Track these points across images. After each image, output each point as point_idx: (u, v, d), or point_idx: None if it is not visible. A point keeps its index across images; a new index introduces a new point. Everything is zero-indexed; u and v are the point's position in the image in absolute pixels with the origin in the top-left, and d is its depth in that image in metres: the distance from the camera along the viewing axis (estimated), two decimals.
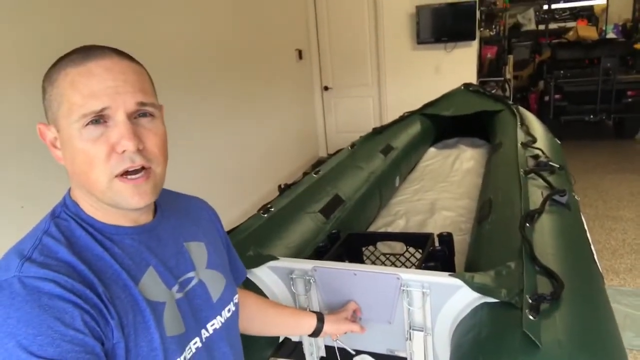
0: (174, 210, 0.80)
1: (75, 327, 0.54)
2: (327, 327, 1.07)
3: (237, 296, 0.86)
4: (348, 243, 1.47)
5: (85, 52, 0.63)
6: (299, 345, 1.28)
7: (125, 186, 0.63)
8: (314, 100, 5.71)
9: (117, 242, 0.66)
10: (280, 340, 1.28)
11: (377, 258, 1.56)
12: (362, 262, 1.52)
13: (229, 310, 0.81)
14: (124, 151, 0.62)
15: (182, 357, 0.68)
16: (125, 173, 0.63)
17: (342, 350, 1.22)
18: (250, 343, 1.16)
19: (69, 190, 0.69)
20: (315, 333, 1.07)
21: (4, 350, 0.51)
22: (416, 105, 3.23)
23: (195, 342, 0.72)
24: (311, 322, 1.07)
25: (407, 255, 1.51)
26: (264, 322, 1.05)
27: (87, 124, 0.61)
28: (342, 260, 1.36)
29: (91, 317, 0.56)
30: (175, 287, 0.71)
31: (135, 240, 0.68)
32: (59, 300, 0.55)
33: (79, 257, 0.60)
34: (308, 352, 1.25)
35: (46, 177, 1.97)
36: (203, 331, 0.74)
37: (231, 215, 3.62)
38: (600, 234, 3.23)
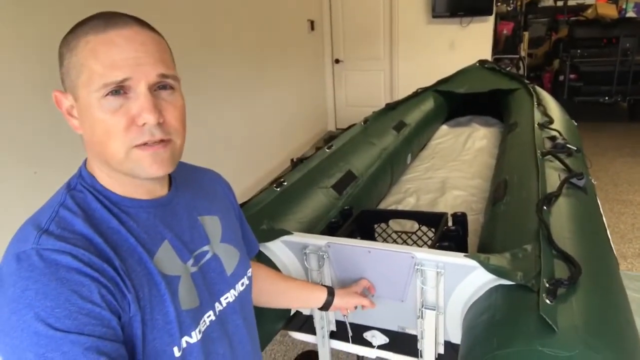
0: (188, 184, 0.79)
1: (92, 301, 0.55)
2: (337, 301, 1.08)
3: (250, 270, 0.86)
4: (360, 220, 1.46)
5: (106, 20, 0.62)
6: (309, 319, 1.29)
7: (143, 154, 0.62)
8: (324, 73, 5.64)
9: (132, 215, 0.66)
10: (292, 313, 1.29)
11: (389, 236, 1.56)
12: (373, 239, 1.52)
13: (242, 284, 0.82)
14: (144, 124, 0.61)
15: (196, 330, 0.68)
16: (144, 144, 0.62)
17: (353, 325, 1.23)
18: (262, 315, 1.17)
19: (85, 161, 0.69)
20: (326, 306, 1.08)
21: (22, 322, 0.52)
22: (429, 81, 3.18)
23: (209, 315, 0.72)
24: (321, 296, 1.07)
25: (420, 234, 1.51)
26: (275, 294, 1.06)
27: (107, 94, 0.60)
28: (354, 237, 1.36)
29: (108, 291, 0.57)
30: (190, 261, 0.71)
31: (151, 214, 0.68)
32: (77, 273, 0.55)
33: (95, 229, 0.61)
34: (319, 325, 1.26)
35: (58, 143, 1.98)
36: (217, 304, 0.75)
37: (242, 185, 3.63)
38: (610, 218, 3.21)
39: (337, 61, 5.57)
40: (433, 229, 1.42)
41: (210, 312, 0.73)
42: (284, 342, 2.27)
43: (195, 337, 0.68)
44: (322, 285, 1.12)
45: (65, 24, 0.66)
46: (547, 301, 0.85)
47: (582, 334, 0.79)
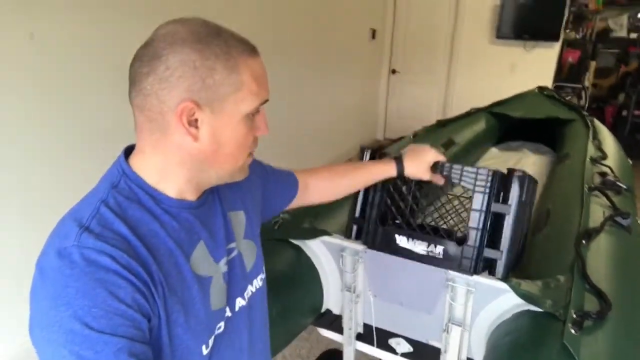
0: None
1: (127, 303, 0.56)
2: (408, 171, 1.09)
3: (264, 265, 0.88)
4: None
5: (248, 44, 0.67)
6: (338, 318, 1.35)
7: (249, 161, 0.73)
8: (379, 82, 5.68)
9: (174, 215, 0.67)
10: (322, 311, 1.35)
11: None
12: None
13: (260, 280, 0.84)
14: (257, 136, 0.72)
15: (220, 327, 0.72)
16: (251, 152, 0.73)
17: (379, 330, 1.28)
18: (293, 309, 1.24)
19: (125, 159, 0.68)
20: (399, 174, 1.10)
21: (60, 318, 0.53)
22: (484, 101, 3.16)
23: (229, 311, 0.75)
24: (390, 170, 1.09)
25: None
26: (336, 190, 1.11)
27: (253, 113, 0.68)
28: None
29: (141, 294, 0.58)
30: (223, 260, 0.73)
31: (192, 214, 0.70)
32: (114, 275, 0.56)
33: (134, 231, 0.61)
34: (347, 326, 1.32)
35: None
36: (238, 300, 0.77)
37: None
38: None
39: (393, 71, 5.60)
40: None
41: (230, 308, 0.75)
42: (309, 339, 2.34)
43: (217, 332, 0.71)
44: (390, 158, 1.11)
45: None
46: (572, 331, 0.87)
47: None
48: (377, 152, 1.22)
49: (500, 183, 1.03)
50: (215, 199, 0.76)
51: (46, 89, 1.89)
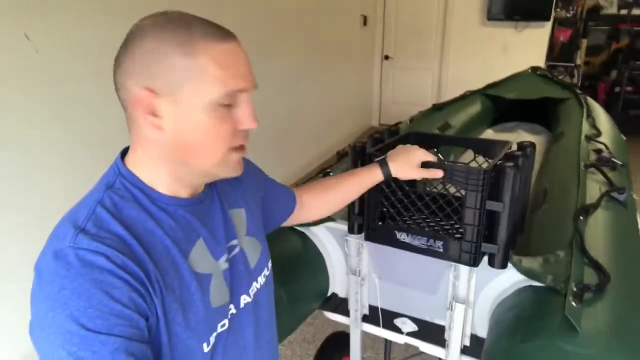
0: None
1: (123, 302, 0.56)
2: (394, 171, 1.03)
3: (270, 261, 0.88)
4: (406, 141, 1.25)
5: (218, 30, 0.64)
6: (344, 301, 1.38)
7: (237, 157, 0.68)
8: (373, 69, 5.69)
9: (171, 213, 0.67)
10: (328, 295, 1.38)
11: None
12: None
13: (264, 276, 0.84)
14: (245, 129, 0.67)
15: (223, 324, 0.72)
16: (240, 147, 0.68)
17: (384, 311, 1.31)
18: (300, 294, 1.27)
19: (122, 159, 0.68)
20: (386, 178, 1.05)
21: (57, 319, 0.54)
22: (478, 83, 3.18)
23: (233, 309, 0.74)
24: (376, 175, 1.04)
25: (474, 164, 1.23)
26: (331, 203, 1.07)
27: (221, 102, 0.63)
28: None
29: (138, 294, 0.58)
30: (222, 258, 0.73)
31: (188, 211, 0.69)
32: (110, 275, 0.56)
33: (129, 230, 0.61)
34: (353, 308, 1.35)
35: None
36: (242, 297, 0.77)
37: (285, 170, 3.74)
38: None
39: (386, 57, 5.60)
40: (490, 160, 1.20)
41: (235, 306, 0.75)
42: (313, 323, 2.38)
43: (220, 330, 0.71)
44: (374, 162, 1.06)
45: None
46: (573, 304, 0.90)
47: (604, 336, 0.84)
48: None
49: (493, 180, 1.00)
50: (214, 196, 0.76)
51: (45, 90, 1.89)
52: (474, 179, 0.97)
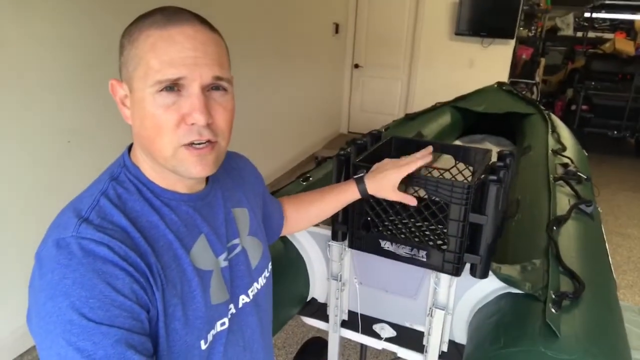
0: (222, 176, 0.80)
1: (124, 294, 0.56)
2: (371, 189, 1.01)
3: (270, 263, 0.88)
4: (389, 146, 1.29)
5: (169, 16, 0.62)
6: (323, 306, 1.38)
7: (189, 155, 0.63)
8: (343, 76, 5.74)
9: (173, 208, 0.67)
10: (307, 300, 1.38)
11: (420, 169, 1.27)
12: None
13: (264, 277, 0.84)
14: (193, 124, 0.62)
15: (221, 323, 0.71)
16: (191, 144, 0.63)
17: (363, 317, 1.32)
18: (281, 300, 1.26)
19: (128, 150, 0.69)
20: (363, 196, 1.02)
21: (58, 309, 0.53)
22: (445, 95, 3.27)
23: (232, 308, 0.74)
24: (354, 193, 1.02)
25: (455, 171, 1.31)
26: (310, 218, 1.07)
27: (161, 90, 0.60)
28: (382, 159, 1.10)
29: (139, 285, 0.58)
30: (222, 256, 0.72)
31: (190, 207, 0.69)
32: (112, 265, 0.56)
33: (133, 223, 0.61)
34: (332, 314, 1.35)
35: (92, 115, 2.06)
36: (241, 297, 0.77)
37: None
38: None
39: (356, 66, 5.66)
40: (471, 168, 1.26)
41: (234, 305, 0.75)
42: (283, 329, 2.36)
43: (220, 329, 0.71)
44: (351, 178, 1.04)
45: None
46: (553, 310, 0.94)
47: (582, 342, 0.88)
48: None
49: (476, 194, 1.01)
50: (217, 194, 0.76)
51: (37, 86, 1.81)
52: (459, 192, 1.00)
